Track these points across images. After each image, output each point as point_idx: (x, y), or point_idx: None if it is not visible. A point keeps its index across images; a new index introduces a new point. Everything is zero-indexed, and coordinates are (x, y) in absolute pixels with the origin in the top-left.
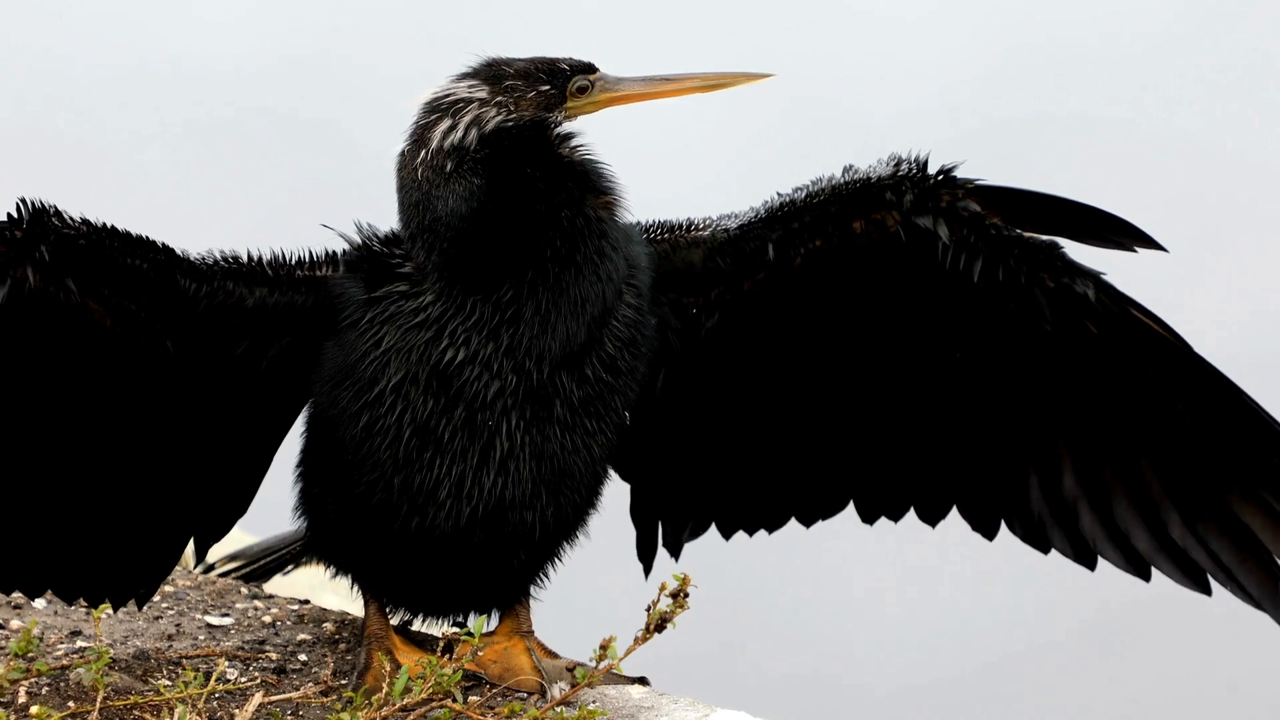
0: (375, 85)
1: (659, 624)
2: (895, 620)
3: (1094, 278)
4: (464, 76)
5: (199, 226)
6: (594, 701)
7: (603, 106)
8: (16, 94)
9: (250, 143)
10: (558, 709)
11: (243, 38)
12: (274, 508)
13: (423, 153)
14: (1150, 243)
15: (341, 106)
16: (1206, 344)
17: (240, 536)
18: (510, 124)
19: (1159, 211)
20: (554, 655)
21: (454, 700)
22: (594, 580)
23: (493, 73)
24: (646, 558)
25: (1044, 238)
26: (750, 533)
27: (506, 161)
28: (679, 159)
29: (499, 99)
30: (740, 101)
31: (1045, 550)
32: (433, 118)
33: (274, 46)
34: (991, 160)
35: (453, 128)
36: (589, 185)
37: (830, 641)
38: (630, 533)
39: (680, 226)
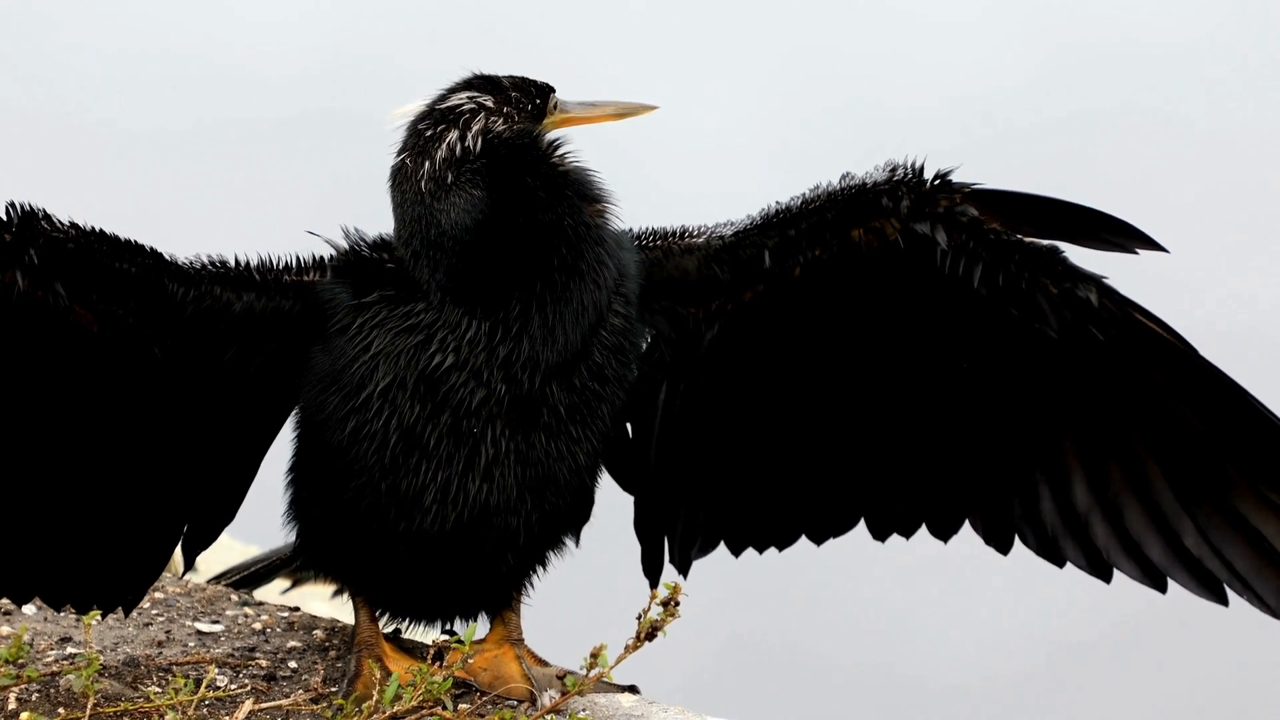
0: (422, 84)
1: (649, 632)
2: (956, 613)
3: (1096, 282)
4: (462, 87)
5: (244, 227)
6: (584, 709)
7: (558, 126)
8: (65, 92)
9: (298, 143)
10: (548, 717)
11: (292, 39)
12: (266, 515)
13: (427, 165)
14: (1151, 244)
15: (388, 106)
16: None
17: (229, 543)
18: (509, 134)
19: (1208, 205)
20: (544, 663)
21: (444, 708)
22: (585, 588)
23: (492, 83)
24: (653, 573)
25: (1044, 242)
26: (760, 550)
27: (505, 172)
28: (725, 159)
29: (505, 109)
30: (788, 103)
31: (1060, 563)
32: (439, 128)
33: (323, 47)
34: (1041, 160)
35: (460, 138)
36: (585, 193)
37: (890, 634)
38: (622, 540)
39: (674, 234)
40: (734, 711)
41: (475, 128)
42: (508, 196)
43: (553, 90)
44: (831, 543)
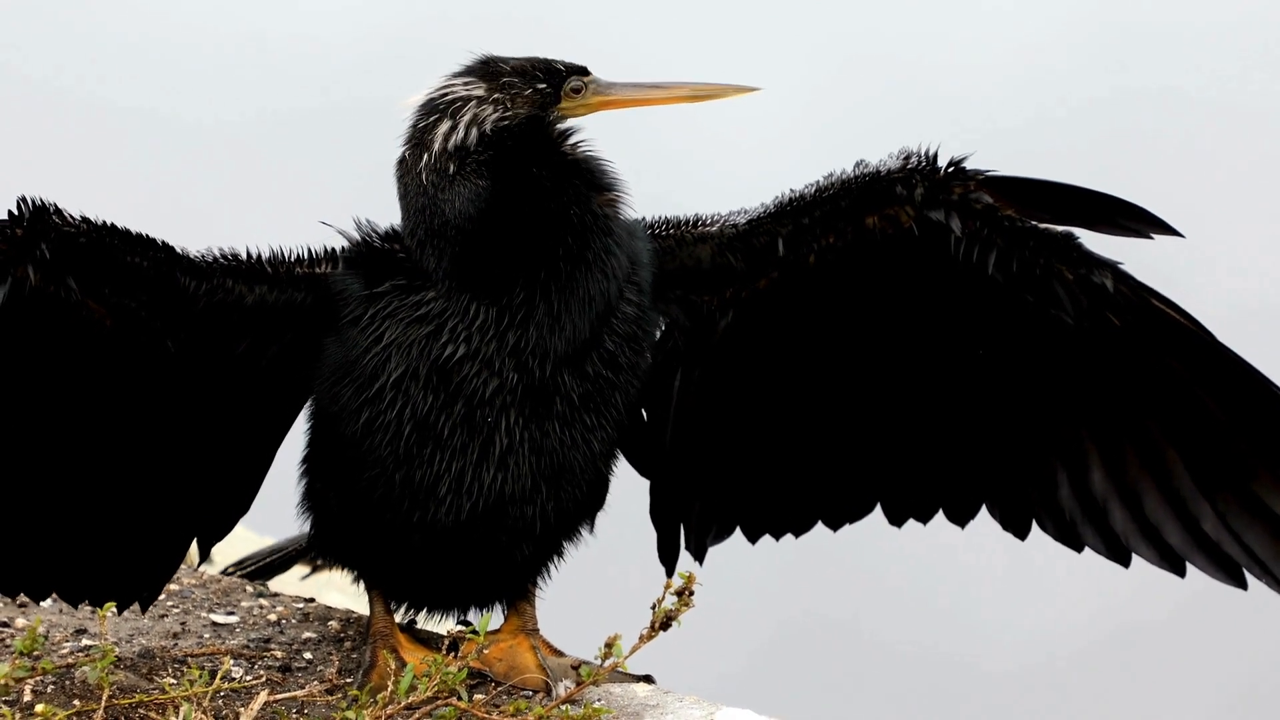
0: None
1: (664, 622)
2: (1012, 594)
3: (1111, 268)
4: (459, 75)
5: (290, 213)
6: (599, 699)
7: (595, 110)
8: (113, 78)
9: (347, 129)
10: (563, 707)
11: (342, 26)
12: (281, 506)
13: (425, 156)
14: (1166, 229)
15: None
16: None
17: (244, 534)
18: (507, 122)
19: (1253, 184)
20: (559, 653)
21: (459, 698)
22: (600, 578)
23: (489, 70)
24: (669, 560)
25: (1059, 228)
26: (776, 537)
27: (511, 161)
28: (769, 140)
29: (496, 96)
30: (832, 84)
31: (1079, 549)
32: (431, 119)
33: (372, 34)
34: (1084, 140)
35: (453, 128)
36: (594, 182)
37: (947, 616)
38: (637, 530)
39: (686, 222)
40: (790, 694)
41: (465, 118)
42: (513, 186)
43: (576, 72)
44: (882, 525)
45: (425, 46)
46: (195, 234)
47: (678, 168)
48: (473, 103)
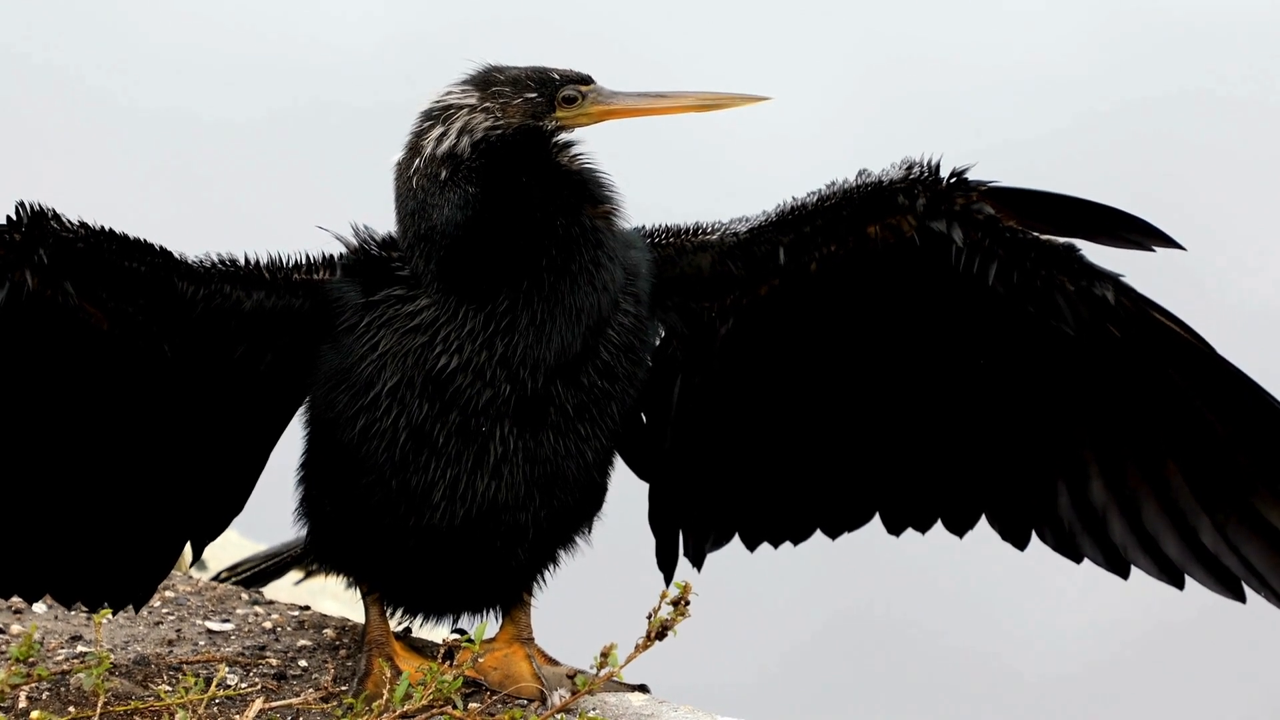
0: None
1: (659, 632)
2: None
3: (1113, 280)
4: (459, 83)
5: (310, 216)
6: (594, 709)
7: (597, 119)
8: (140, 78)
9: (380, 135)
10: (558, 716)
11: (373, 32)
12: (274, 512)
13: (417, 161)
14: (1168, 241)
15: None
16: None
17: (238, 540)
18: (499, 130)
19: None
20: (554, 662)
21: (454, 707)
22: (595, 588)
23: (484, 79)
24: (667, 567)
25: (1061, 240)
26: (775, 544)
27: (502, 169)
28: (800, 143)
29: (486, 105)
30: (863, 88)
31: (1078, 560)
32: (426, 125)
33: (403, 40)
34: (1112, 146)
35: (444, 134)
36: (586, 194)
37: (985, 618)
38: (633, 539)
39: (686, 231)
40: (792, 704)
41: (456, 125)
42: (500, 194)
43: (574, 81)
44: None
45: (457, 53)
46: (216, 236)
47: (717, 166)
48: (464, 110)
